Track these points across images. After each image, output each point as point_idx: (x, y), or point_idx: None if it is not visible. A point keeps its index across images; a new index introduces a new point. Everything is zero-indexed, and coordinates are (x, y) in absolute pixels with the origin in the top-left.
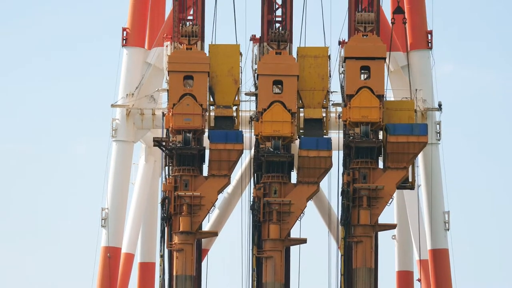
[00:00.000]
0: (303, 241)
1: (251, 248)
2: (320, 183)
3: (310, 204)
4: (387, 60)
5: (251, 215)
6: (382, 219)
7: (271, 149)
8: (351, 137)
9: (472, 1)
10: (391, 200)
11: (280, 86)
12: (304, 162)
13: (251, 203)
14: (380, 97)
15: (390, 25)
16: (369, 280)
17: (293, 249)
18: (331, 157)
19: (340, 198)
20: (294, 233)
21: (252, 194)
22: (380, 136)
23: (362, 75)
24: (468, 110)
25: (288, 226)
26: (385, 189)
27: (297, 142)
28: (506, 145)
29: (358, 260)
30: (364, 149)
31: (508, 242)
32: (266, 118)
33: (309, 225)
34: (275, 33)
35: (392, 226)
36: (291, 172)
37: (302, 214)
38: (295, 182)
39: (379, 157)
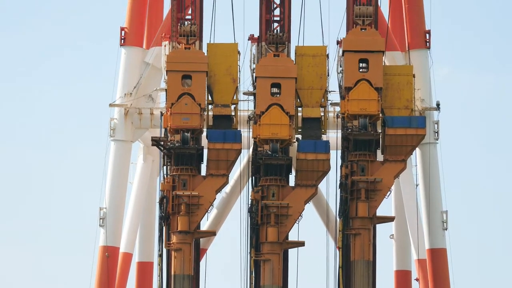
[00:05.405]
0: (301, 244)
1: (249, 251)
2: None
3: (308, 207)
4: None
5: (249, 218)
6: (380, 212)
7: (269, 152)
8: (349, 130)
9: (470, 1)
10: (389, 192)
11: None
12: (302, 165)
13: (249, 206)
14: (379, 89)
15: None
16: (367, 273)
17: (291, 252)
18: (329, 160)
19: (338, 191)
20: (292, 236)
21: (250, 197)
22: (379, 129)
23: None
24: (466, 110)
25: (286, 229)
26: (383, 181)
27: (295, 145)
28: (506, 144)
29: (356, 252)
30: (363, 141)
31: (506, 242)
32: (264, 121)
33: (307, 228)
34: (273, 35)
35: (390, 219)
36: (289, 175)
37: (300, 217)
38: (293, 185)
39: (377, 150)
